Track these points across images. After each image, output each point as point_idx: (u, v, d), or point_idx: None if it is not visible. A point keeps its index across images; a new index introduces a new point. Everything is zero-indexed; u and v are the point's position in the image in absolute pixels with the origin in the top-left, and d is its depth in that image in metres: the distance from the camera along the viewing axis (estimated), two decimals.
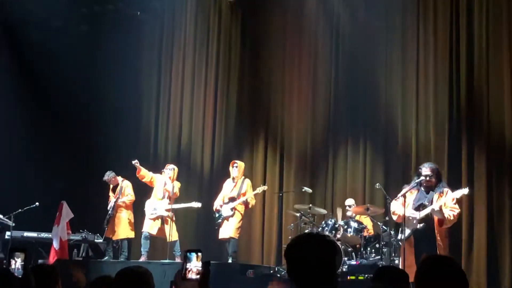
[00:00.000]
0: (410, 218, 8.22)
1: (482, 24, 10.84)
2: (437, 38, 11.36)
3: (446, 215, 8.06)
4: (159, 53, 14.67)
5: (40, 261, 11.13)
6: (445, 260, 3.01)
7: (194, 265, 3.26)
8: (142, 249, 11.42)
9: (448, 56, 11.21)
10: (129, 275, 3.68)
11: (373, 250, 10.22)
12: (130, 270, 3.70)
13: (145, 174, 11.72)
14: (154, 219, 11.44)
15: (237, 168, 11.20)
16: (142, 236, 11.48)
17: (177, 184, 11.55)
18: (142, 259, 11.22)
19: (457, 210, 8.18)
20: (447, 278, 2.92)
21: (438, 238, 8.11)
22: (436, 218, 8.14)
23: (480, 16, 10.88)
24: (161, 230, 11.40)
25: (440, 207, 8.02)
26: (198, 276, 3.23)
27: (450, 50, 11.19)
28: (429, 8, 11.54)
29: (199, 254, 3.27)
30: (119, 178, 12.00)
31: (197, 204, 11.51)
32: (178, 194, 11.56)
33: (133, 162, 11.64)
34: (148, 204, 11.61)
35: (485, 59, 10.77)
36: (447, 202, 8.09)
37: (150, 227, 11.44)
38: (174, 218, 11.42)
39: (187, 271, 3.24)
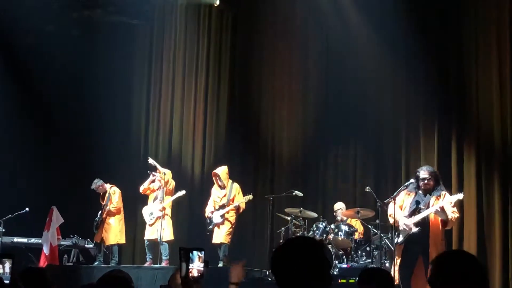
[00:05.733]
0: (404, 228, 8.18)
1: (471, 25, 10.88)
2: (427, 40, 11.40)
3: (449, 216, 8.03)
4: (149, 58, 14.66)
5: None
6: (462, 256, 2.79)
7: (197, 266, 3.19)
8: (146, 256, 11.49)
9: (438, 58, 11.25)
10: (110, 280, 3.78)
11: (363, 253, 10.23)
12: (111, 276, 3.80)
13: (147, 188, 11.72)
14: (152, 224, 11.40)
15: (220, 178, 11.20)
16: (145, 244, 11.56)
17: (168, 173, 11.48)
18: (146, 264, 11.33)
19: (457, 214, 8.17)
20: (465, 275, 2.71)
21: (433, 242, 8.07)
22: (433, 221, 8.09)
23: (469, 17, 10.93)
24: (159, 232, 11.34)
25: (442, 207, 7.97)
26: (199, 275, 3.17)
27: (439, 52, 11.24)
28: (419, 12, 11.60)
29: (201, 254, 3.19)
30: (107, 185, 11.98)
31: (181, 192, 11.51)
32: (172, 187, 11.52)
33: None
34: (145, 211, 11.57)
35: (474, 60, 10.81)
36: (445, 205, 8.04)
37: (150, 233, 11.41)
38: (167, 215, 11.36)
39: (189, 272, 3.16)
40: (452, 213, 8.05)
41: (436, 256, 2.90)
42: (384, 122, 11.79)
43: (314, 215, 11.08)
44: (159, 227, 11.16)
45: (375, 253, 9.89)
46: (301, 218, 10.90)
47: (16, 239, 12.04)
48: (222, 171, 11.32)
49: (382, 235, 9.72)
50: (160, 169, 11.48)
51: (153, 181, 11.64)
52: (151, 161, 11.53)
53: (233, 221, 11.13)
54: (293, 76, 13.10)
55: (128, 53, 14.57)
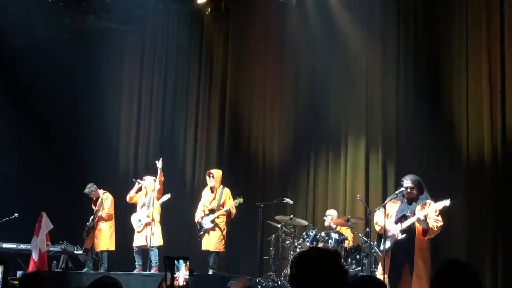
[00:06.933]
0: (392, 234, 8.27)
1: (461, 36, 10.92)
2: (417, 50, 11.44)
3: (430, 225, 8.10)
4: (141, 64, 14.68)
5: (19, 272, 11.03)
6: (462, 266, 2.99)
7: (183, 274, 3.21)
8: (136, 263, 11.45)
9: (428, 69, 11.29)
10: (100, 286, 3.77)
11: (354, 261, 10.23)
12: (101, 282, 3.80)
13: (133, 196, 11.74)
14: (141, 231, 11.37)
15: (213, 178, 11.18)
16: (134, 251, 11.52)
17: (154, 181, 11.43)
18: (136, 271, 11.30)
19: (440, 222, 8.22)
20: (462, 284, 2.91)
21: (418, 249, 8.14)
22: (419, 228, 8.17)
23: (460, 28, 10.97)
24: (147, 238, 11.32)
25: (425, 216, 8.06)
26: (185, 284, 3.19)
27: (430, 63, 11.28)
28: (409, 20, 11.63)
29: (187, 263, 3.22)
30: (100, 191, 11.97)
31: (166, 196, 11.44)
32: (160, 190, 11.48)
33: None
34: (133, 218, 11.57)
35: (465, 72, 10.83)
36: (430, 214, 8.10)
37: (139, 240, 11.40)
38: (156, 220, 11.32)
39: (175, 280, 3.18)
40: (435, 222, 8.13)
41: (439, 266, 3.06)
42: (374, 130, 11.81)
43: (305, 222, 11.09)
44: (148, 233, 11.14)
45: (365, 261, 9.90)
46: (291, 226, 10.91)
47: (5, 245, 11.99)
48: (217, 172, 11.36)
49: (372, 243, 9.72)
50: (161, 174, 11.42)
51: (140, 189, 11.62)
52: (159, 164, 11.41)
53: (223, 228, 11.11)
54: (284, 83, 13.11)
55: (120, 59, 14.58)
